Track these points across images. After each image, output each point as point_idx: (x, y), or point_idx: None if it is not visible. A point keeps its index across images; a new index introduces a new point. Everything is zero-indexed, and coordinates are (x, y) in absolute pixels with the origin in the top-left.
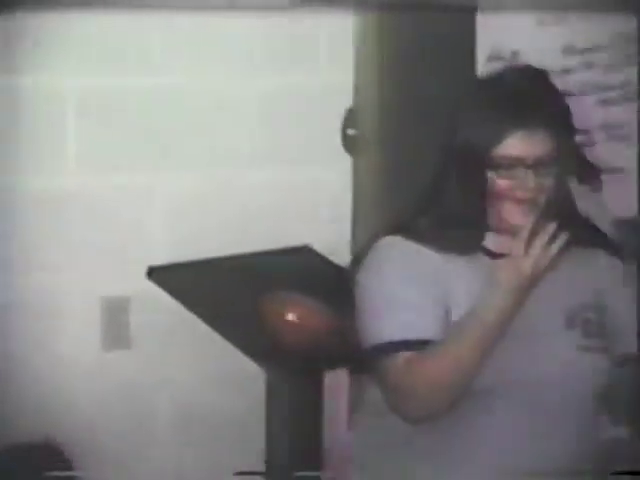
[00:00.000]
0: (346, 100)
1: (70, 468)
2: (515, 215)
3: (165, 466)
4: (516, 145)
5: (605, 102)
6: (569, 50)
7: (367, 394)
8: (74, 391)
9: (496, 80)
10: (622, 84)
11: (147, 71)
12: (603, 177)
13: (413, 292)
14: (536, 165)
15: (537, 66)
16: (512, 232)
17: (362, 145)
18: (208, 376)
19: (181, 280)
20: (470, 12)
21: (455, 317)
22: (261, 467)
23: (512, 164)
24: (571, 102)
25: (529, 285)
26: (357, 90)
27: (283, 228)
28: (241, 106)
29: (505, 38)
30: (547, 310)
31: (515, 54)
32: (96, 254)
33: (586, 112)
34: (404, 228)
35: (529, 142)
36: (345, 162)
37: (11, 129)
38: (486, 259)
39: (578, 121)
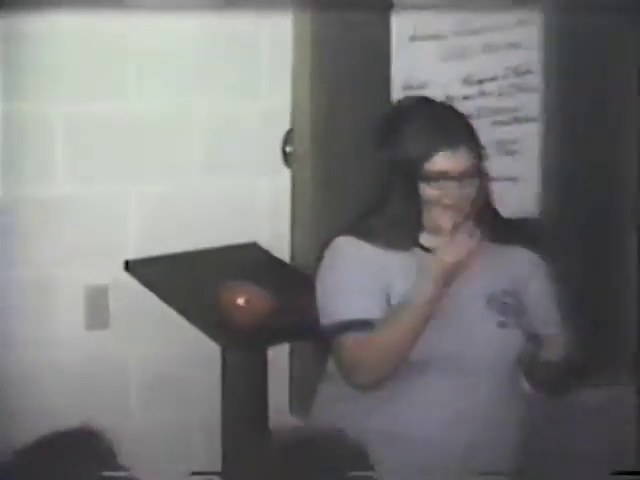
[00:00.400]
0: (285, 122)
1: (111, 454)
2: (443, 218)
3: (136, 431)
4: (442, 161)
5: (498, 122)
6: (468, 81)
7: (328, 366)
8: (62, 362)
9: (420, 107)
10: (512, 108)
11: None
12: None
13: (360, 281)
14: (459, 177)
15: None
16: (442, 233)
17: (298, 160)
18: (173, 352)
19: (151, 272)
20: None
21: (394, 302)
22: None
23: (439, 177)
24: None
25: (452, 274)
26: (293, 114)
27: (234, 228)
28: (198, 126)
29: (415, 70)
30: (471, 294)
31: (424, 84)
32: (81, 250)
33: (482, 131)
34: (354, 229)
35: (452, 159)
36: (284, 174)
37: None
38: (422, 254)
39: None
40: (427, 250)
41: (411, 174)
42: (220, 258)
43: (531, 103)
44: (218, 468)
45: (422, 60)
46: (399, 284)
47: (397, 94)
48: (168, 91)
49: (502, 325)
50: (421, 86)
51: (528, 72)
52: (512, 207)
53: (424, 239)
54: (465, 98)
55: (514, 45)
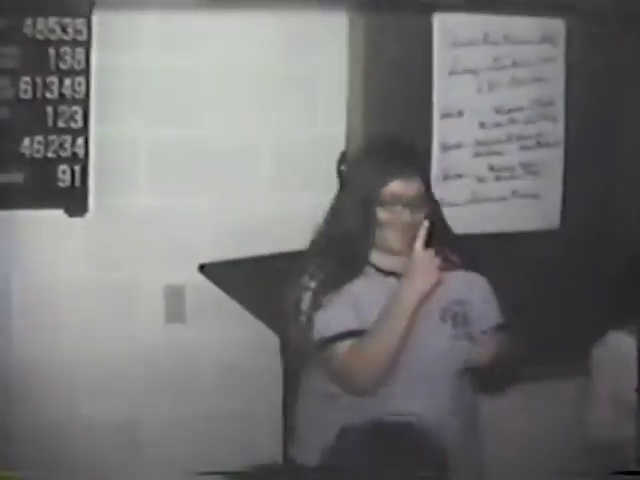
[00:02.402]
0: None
1: None
2: (395, 240)
3: (208, 411)
4: (396, 187)
5: (524, 147)
6: (499, 110)
7: (302, 386)
8: (146, 351)
9: (385, 143)
10: (536, 135)
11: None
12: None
13: (341, 301)
14: (410, 203)
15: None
16: (393, 252)
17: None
18: (241, 342)
19: (223, 273)
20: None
21: (360, 317)
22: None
23: (393, 201)
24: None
25: (426, 295)
26: (347, 138)
27: (294, 236)
28: (265, 149)
29: (452, 100)
30: (428, 310)
31: (460, 113)
32: (162, 255)
33: (511, 155)
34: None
35: (405, 186)
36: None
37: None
38: (376, 274)
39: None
40: (380, 270)
41: (369, 199)
42: (281, 263)
43: (553, 130)
44: (280, 457)
45: (459, 91)
46: (365, 303)
47: (437, 121)
48: (241, 120)
49: (455, 337)
50: (458, 114)
51: (550, 103)
52: (535, 221)
53: (376, 259)
54: (496, 125)
55: (539, 79)
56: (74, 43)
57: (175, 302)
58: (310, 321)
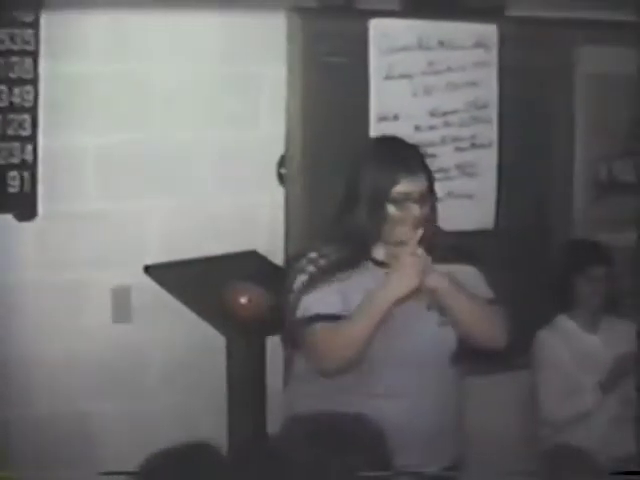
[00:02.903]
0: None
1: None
2: (405, 233)
3: (153, 405)
4: (406, 185)
5: (458, 149)
6: (434, 113)
7: (296, 368)
8: (94, 349)
9: (391, 142)
10: (471, 136)
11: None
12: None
13: (331, 286)
14: (419, 199)
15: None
16: (399, 244)
17: (290, 180)
18: (185, 341)
19: (167, 274)
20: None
21: (346, 304)
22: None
23: (404, 198)
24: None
25: (415, 287)
26: (287, 141)
27: (237, 238)
28: (204, 153)
29: (388, 104)
30: (416, 299)
31: (396, 116)
32: (109, 257)
33: (446, 156)
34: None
35: (414, 183)
36: (279, 192)
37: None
38: (373, 266)
39: (439, 163)
40: (379, 263)
41: (381, 196)
42: (225, 263)
43: (487, 132)
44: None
45: (395, 96)
46: (354, 290)
47: (373, 124)
48: (185, 122)
49: (442, 324)
50: (394, 118)
51: (484, 106)
52: (470, 221)
53: (378, 252)
54: (431, 128)
55: (473, 83)
56: (22, 53)
57: (122, 302)
58: (298, 301)
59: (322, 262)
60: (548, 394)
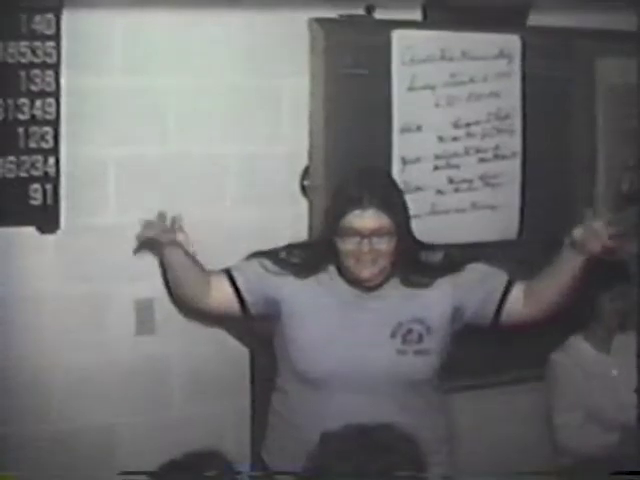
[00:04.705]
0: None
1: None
2: (359, 270)
3: (177, 417)
4: (353, 220)
5: (482, 160)
6: (457, 124)
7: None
8: (117, 362)
9: (364, 175)
10: (494, 147)
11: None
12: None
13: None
14: (370, 235)
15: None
16: (360, 283)
17: (313, 192)
18: (209, 353)
19: None
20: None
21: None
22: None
23: (352, 234)
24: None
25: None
26: (310, 153)
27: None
28: (230, 164)
29: (411, 115)
30: (376, 325)
31: (419, 127)
32: (131, 270)
33: (469, 167)
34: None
35: (363, 219)
36: (303, 204)
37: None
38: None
39: (462, 174)
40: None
41: (330, 230)
42: None
43: (510, 143)
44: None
45: (418, 107)
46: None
47: (396, 136)
48: (206, 135)
49: (401, 352)
50: (417, 129)
51: (507, 117)
52: (493, 232)
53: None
54: (454, 139)
55: (495, 94)
56: (44, 65)
57: (145, 315)
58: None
59: (294, 260)
60: (566, 419)
